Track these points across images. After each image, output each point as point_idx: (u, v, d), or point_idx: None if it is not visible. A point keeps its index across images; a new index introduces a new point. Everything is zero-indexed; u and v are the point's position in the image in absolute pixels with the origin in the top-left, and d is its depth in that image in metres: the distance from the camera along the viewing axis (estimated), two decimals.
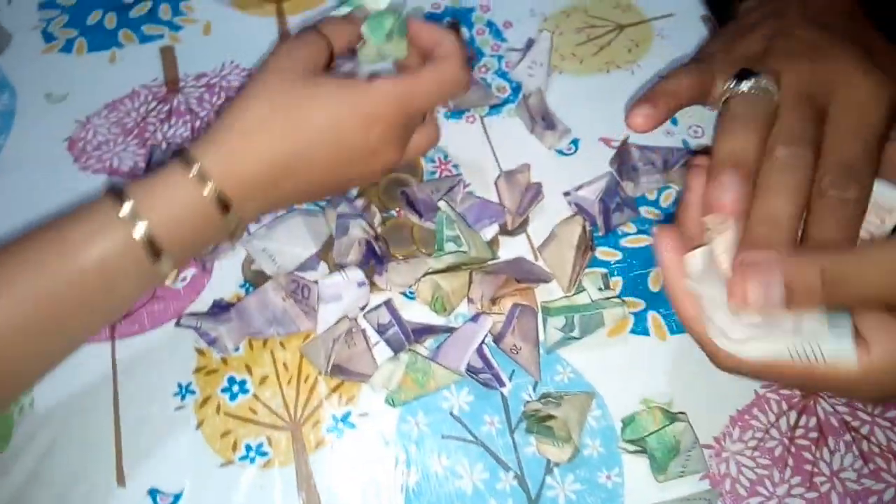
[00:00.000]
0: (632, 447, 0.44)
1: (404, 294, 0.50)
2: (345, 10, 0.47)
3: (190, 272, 0.51)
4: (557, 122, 0.56)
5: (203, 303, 0.50)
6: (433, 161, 0.55)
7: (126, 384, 0.47)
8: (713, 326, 0.36)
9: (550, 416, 0.43)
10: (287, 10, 0.64)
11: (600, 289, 0.48)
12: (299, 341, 0.48)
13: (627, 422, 0.45)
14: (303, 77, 0.41)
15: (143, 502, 0.43)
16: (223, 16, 0.64)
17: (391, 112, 0.42)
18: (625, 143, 0.54)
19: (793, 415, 0.46)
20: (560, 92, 0.59)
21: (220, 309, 0.48)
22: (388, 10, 0.46)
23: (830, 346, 0.33)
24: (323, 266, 0.50)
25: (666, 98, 0.42)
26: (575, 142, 0.56)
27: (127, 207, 0.37)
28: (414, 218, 0.51)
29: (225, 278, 0.50)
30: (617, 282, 0.50)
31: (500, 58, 0.61)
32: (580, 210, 0.52)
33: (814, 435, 0.45)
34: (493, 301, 0.48)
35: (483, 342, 0.46)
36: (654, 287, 0.50)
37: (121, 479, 0.44)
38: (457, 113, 0.58)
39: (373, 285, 0.49)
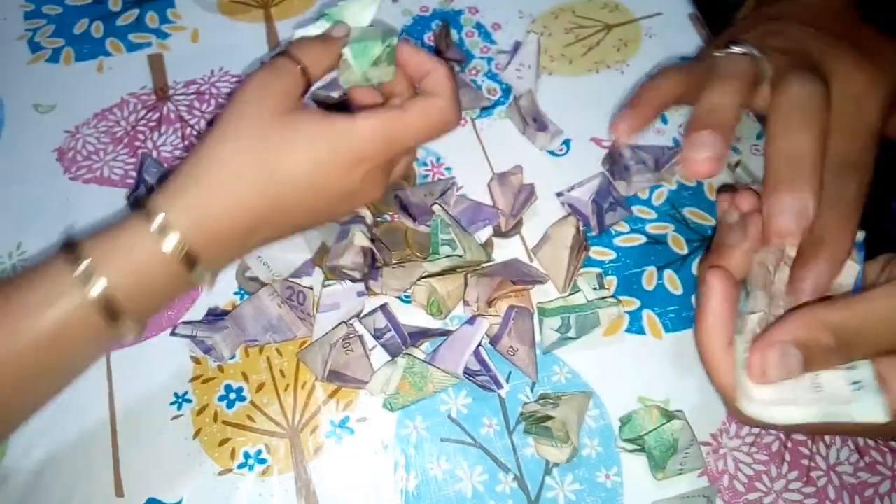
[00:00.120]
0: (630, 446, 0.44)
1: (400, 298, 0.50)
2: (322, 24, 0.42)
3: None
4: (549, 123, 0.56)
5: (198, 311, 0.49)
6: (426, 164, 0.55)
7: (122, 394, 0.46)
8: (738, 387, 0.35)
9: (548, 417, 0.43)
10: (275, 16, 0.64)
11: (595, 288, 0.49)
12: (295, 348, 0.48)
13: (625, 421, 0.45)
14: (278, 115, 0.38)
15: None
16: (211, 23, 0.64)
17: (374, 152, 0.39)
18: (616, 142, 0.54)
19: None
20: (550, 93, 0.59)
21: (215, 317, 0.48)
22: (375, 32, 0.42)
23: (860, 409, 0.32)
24: (318, 272, 0.50)
25: (647, 103, 0.40)
26: (566, 142, 0.56)
27: (82, 267, 0.34)
28: (408, 222, 0.51)
29: (219, 286, 0.50)
30: (612, 281, 0.50)
31: (489, 60, 0.61)
32: (573, 210, 0.52)
33: None
34: (489, 303, 0.48)
35: (480, 344, 0.46)
36: (648, 286, 0.50)
37: (119, 490, 0.43)
38: None
39: (369, 290, 0.49)
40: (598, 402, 0.46)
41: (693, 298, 0.50)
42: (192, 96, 0.59)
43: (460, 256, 0.48)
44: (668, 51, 0.61)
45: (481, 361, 0.46)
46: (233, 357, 0.48)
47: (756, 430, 0.45)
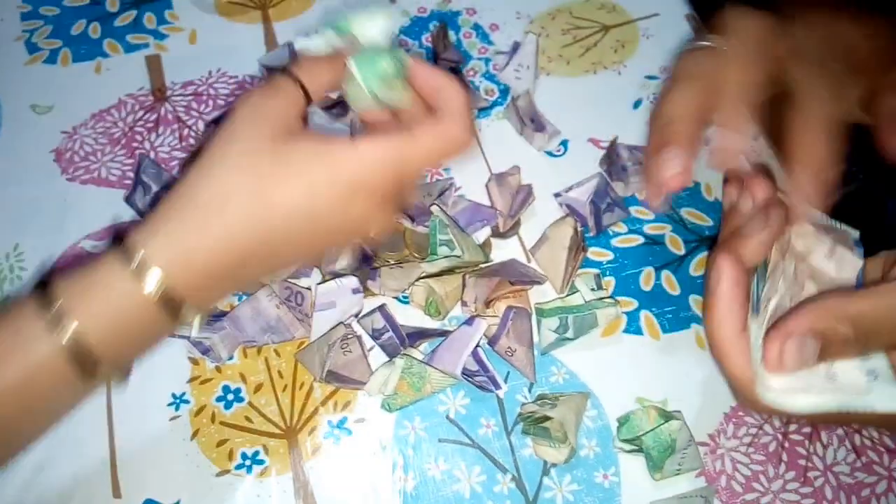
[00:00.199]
0: (628, 446, 0.44)
1: (398, 298, 0.50)
2: (328, 34, 0.39)
3: None
4: (546, 124, 0.56)
5: None
6: None
7: (120, 395, 0.46)
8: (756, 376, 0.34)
9: (546, 418, 0.43)
10: (273, 17, 0.64)
11: (593, 289, 0.49)
12: (293, 348, 0.48)
13: (623, 421, 0.45)
14: (271, 141, 0.34)
15: None
16: (209, 24, 0.64)
17: (378, 182, 0.35)
18: (613, 143, 0.54)
19: None
20: (548, 94, 0.59)
21: (213, 317, 0.48)
22: (383, 48, 0.38)
23: (880, 398, 0.32)
24: (315, 272, 0.50)
25: (686, 136, 0.38)
26: (564, 143, 0.56)
27: (53, 310, 0.31)
28: (406, 222, 0.51)
29: None
30: (609, 282, 0.50)
31: (487, 61, 0.61)
32: (571, 211, 0.52)
33: (807, 430, 0.45)
34: (487, 304, 0.48)
35: (478, 345, 0.46)
36: (645, 286, 0.50)
37: (116, 492, 0.43)
38: None
39: (367, 290, 0.49)
40: (596, 402, 0.46)
41: (691, 299, 0.50)
42: (190, 97, 0.59)
43: (458, 257, 0.48)
44: (665, 51, 0.61)
45: (479, 362, 0.46)
46: (231, 358, 0.48)
47: (753, 431, 0.45)
